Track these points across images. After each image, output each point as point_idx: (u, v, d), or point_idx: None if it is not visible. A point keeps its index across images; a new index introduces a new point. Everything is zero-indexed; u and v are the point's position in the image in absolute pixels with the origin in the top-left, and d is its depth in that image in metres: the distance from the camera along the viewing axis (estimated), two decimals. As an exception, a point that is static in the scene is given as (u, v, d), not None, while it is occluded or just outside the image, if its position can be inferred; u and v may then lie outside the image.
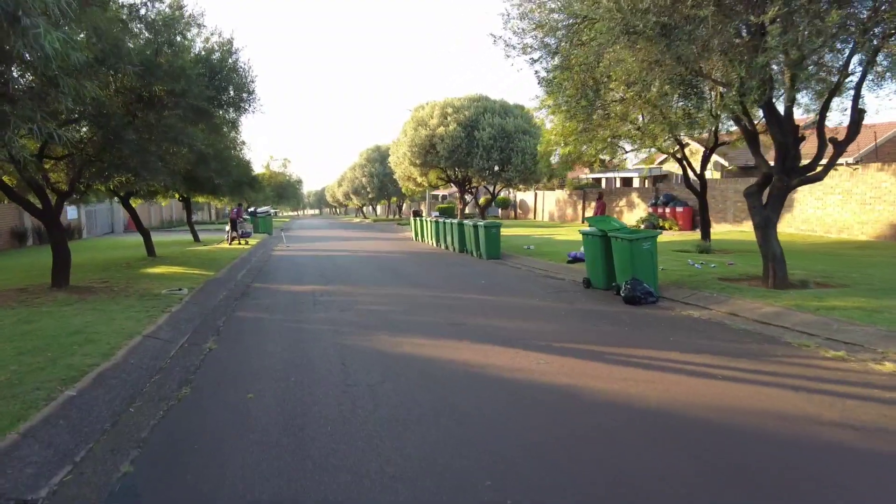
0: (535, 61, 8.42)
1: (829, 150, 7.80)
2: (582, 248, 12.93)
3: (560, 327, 6.59)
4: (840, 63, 7.16)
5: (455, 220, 17.09)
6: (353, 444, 3.41)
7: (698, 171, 13.35)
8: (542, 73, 8.51)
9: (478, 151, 22.63)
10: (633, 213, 25.00)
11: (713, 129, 12.34)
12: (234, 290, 9.92)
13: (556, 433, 3.54)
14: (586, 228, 9.65)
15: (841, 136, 7.64)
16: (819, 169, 8.05)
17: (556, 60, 8.09)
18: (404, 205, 54.41)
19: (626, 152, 13.81)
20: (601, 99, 8.04)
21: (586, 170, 32.41)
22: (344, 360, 5.27)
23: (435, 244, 19.18)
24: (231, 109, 10.49)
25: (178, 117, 8.48)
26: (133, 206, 20.27)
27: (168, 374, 4.94)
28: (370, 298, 8.90)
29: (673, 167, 24.82)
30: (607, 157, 14.21)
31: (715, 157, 13.20)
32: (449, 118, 23.27)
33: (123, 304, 7.58)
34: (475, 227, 15.24)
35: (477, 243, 15.14)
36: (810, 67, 5.90)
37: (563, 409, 3.94)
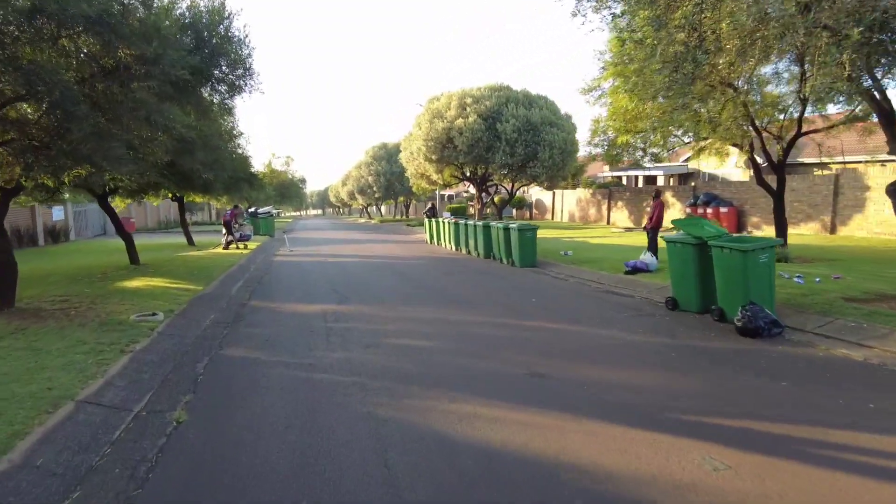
0: (617, 17, 6.43)
1: None
2: (642, 257, 10.94)
3: (688, 383, 4.57)
4: None
5: (479, 222, 15.12)
6: None
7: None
8: (626, 33, 6.51)
9: (500, 145, 20.46)
10: (667, 215, 22.93)
11: (799, 114, 10.32)
12: (226, 311, 7.94)
13: None
14: (672, 234, 7.64)
15: None
16: None
17: (647, 13, 6.08)
18: (411, 205, 52.31)
19: (692, 143, 11.81)
20: (708, 64, 6.02)
21: (605, 167, 30.32)
22: (386, 456, 3.28)
23: (454, 248, 17.20)
24: (223, 87, 8.50)
25: (150, 91, 6.52)
26: (121, 205, 18.43)
27: (96, 489, 2.96)
28: (400, 326, 6.91)
29: (699, 164, 22.75)
30: (662, 150, 12.18)
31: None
32: (468, 109, 21.12)
33: (72, 339, 5.61)
34: (506, 229, 13.25)
35: (508, 249, 13.16)
36: None
37: None
